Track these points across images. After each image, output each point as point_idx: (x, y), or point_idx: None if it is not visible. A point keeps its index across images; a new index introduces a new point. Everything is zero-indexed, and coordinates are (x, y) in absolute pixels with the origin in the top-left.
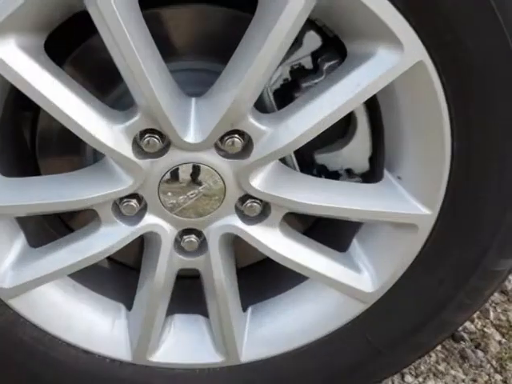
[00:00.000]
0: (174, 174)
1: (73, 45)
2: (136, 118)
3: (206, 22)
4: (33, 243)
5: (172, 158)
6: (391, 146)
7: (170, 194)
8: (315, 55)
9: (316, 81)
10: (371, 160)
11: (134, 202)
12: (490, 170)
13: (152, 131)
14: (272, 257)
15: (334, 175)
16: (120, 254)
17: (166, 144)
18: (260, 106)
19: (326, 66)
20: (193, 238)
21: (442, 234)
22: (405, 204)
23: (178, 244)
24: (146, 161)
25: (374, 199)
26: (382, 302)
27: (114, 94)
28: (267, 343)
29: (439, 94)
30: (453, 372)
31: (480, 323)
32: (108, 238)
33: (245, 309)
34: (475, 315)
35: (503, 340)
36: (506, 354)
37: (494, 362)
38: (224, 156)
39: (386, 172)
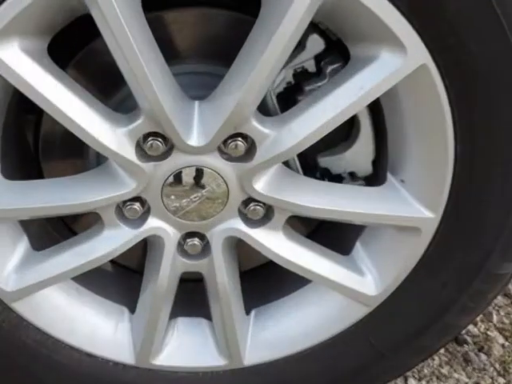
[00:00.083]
0: (178, 177)
1: (76, 48)
2: (139, 121)
3: (209, 25)
4: (36, 246)
5: (175, 161)
6: (394, 149)
7: (173, 197)
8: (318, 58)
9: (319, 84)
10: (374, 163)
11: (137, 205)
12: (494, 173)
13: (155, 134)
14: (275, 260)
15: (337, 178)
16: (123, 257)
17: (170, 147)
18: (263, 110)
19: (330, 69)
20: (196, 241)
21: (446, 237)
22: (408, 207)
23: (181, 247)
24: (150, 164)
25: (377, 202)
26: (386, 305)
27: (117, 98)
28: (270, 346)
29: (442, 97)
30: (456, 375)
31: (483, 326)
32: (111, 241)
33: (248, 312)
34: (478, 318)
35: (506, 343)
36: (509, 357)
37: (497, 365)
38: (227, 159)
39: (389, 175)
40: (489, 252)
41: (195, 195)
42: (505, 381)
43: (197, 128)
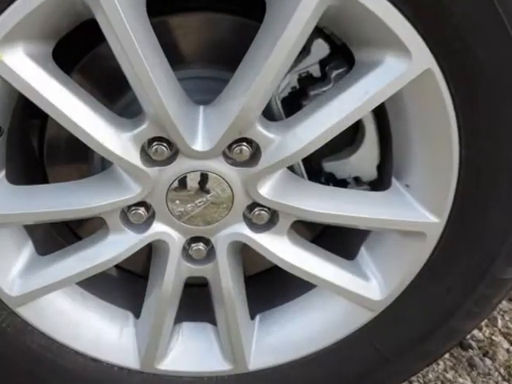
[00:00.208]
0: (182, 182)
1: (81, 53)
2: (144, 126)
3: (214, 30)
4: (41, 251)
5: (180, 166)
6: (399, 153)
7: (178, 201)
8: (323, 63)
9: (324, 89)
10: (379, 168)
11: (142, 210)
12: (499, 177)
13: (160, 139)
14: (280, 265)
15: (341, 183)
16: (128, 261)
17: (174, 152)
18: (268, 114)
19: (334, 73)
20: (201, 245)
21: (450, 242)
22: (413, 212)
23: (186, 252)
24: (154, 169)
25: (382, 207)
26: (390, 309)
27: (121, 102)
28: (275, 351)
29: (447, 101)
30: (461, 380)
31: (488, 331)
32: (116, 245)
33: (253, 317)
34: (483, 323)
35: (511, 348)
36: None
37: (502, 370)
38: (232, 164)
39: (394, 180)
40: (494, 257)
41: (200, 200)
42: None
43: (202, 133)
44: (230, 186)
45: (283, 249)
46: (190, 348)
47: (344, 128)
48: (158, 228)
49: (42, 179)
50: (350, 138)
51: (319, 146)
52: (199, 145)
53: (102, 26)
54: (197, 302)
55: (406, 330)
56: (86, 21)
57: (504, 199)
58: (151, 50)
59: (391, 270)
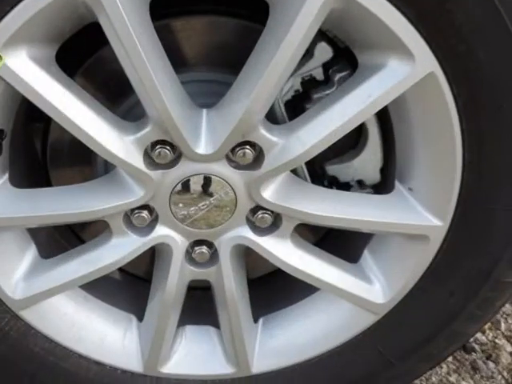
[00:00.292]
0: (185, 185)
1: (84, 56)
2: (147, 129)
3: (217, 33)
4: (44, 254)
5: (183, 169)
6: (402, 157)
7: (181, 205)
8: (326, 66)
9: (327, 92)
10: (382, 171)
11: (145, 213)
12: (502, 181)
13: (163, 142)
14: (283, 268)
15: (345, 186)
16: (131, 265)
17: (178, 155)
18: (271, 118)
19: (338, 77)
20: (204, 249)
21: (454, 245)
22: (416, 215)
23: (189, 255)
24: (157, 172)
25: (385, 210)
26: (393, 313)
27: (125, 105)
28: (278, 354)
29: (450, 105)
30: (464, 383)
31: (491, 334)
32: (119, 249)
33: (256, 320)
34: (486, 326)
35: None
36: None
37: (505, 373)
38: (235, 167)
39: (397, 183)
40: (497, 260)
41: (203, 203)
42: None
43: (205, 136)
44: (233, 189)
45: (286, 252)
46: (193, 351)
47: (347, 131)
48: (161, 231)
49: (45, 182)
50: (353, 141)
51: (322, 150)
52: (202, 148)
53: (105, 29)
54: (200, 305)
55: (410, 333)
56: (89, 24)
57: (507, 202)
58: (154, 53)
59: (394, 273)
